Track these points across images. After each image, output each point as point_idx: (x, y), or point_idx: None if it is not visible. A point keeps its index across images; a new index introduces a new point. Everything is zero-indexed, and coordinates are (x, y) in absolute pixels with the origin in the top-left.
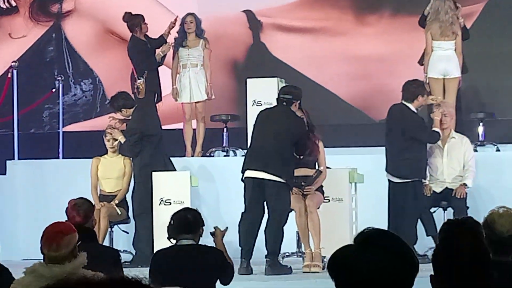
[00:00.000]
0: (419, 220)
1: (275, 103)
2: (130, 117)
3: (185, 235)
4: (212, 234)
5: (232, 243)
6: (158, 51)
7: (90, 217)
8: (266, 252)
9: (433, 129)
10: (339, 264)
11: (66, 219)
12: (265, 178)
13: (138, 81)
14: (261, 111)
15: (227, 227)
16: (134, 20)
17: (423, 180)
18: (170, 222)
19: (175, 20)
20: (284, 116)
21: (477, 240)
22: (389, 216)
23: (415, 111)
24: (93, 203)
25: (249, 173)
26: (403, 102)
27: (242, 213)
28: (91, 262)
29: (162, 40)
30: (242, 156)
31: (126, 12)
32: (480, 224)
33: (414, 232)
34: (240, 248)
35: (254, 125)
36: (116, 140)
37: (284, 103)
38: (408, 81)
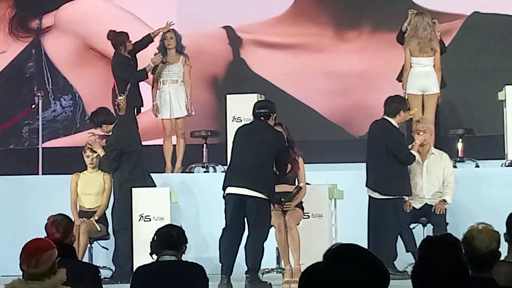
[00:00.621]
0: (398, 236)
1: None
2: (110, 133)
3: (168, 251)
4: None
5: (212, 259)
6: (149, 61)
7: (69, 234)
8: (246, 268)
9: (410, 150)
10: (309, 282)
11: (46, 235)
12: (246, 194)
13: (119, 97)
14: (239, 127)
15: None
16: (118, 38)
17: (405, 197)
18: (153, 238)
19: (169, 23)
20: (263, 131)
21: (456, 257)
22: (369, 232)
23: (397, 126)
24: (73, 219)
25: (230, 190)
26: (385, 117)
27: (223, 229)
28: (70, 279)
29: (148, 39)
30: (222, 172)
31: (110, 30)
32: (459, 241)
33: (394, 248)
34: (220, 264)
35: (233, 141)
36: (96, 153)
37: (262, 118)
38: (389, 97)
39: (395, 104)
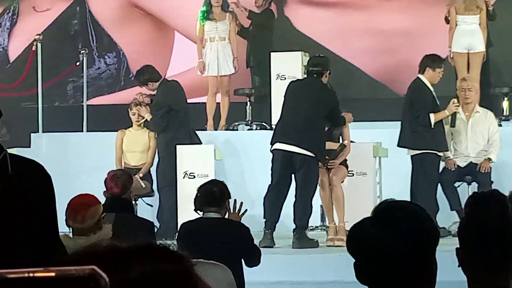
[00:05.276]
0: (444, 194)
1: (299, 77)
2: (156, 91)
3: (210, 208)
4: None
5: (256, 217)
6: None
7: (128, 189)
8: (290, 226)
9: (430, 116)
10: (356, 239)
11: (91, 192)
12: (296, 151)
13: None
14: (292, 82)
15: (246, 210)
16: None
17: (441, 153)
18: (196, 194)
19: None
20: (316, 89)
21: (504, 213)
22: (411, 188)
23: (428, 84)
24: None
25: (279, 146)
26: (418, 75)
27: (269, 185)
28: (127, 233)
29: None
30: (266, 129)
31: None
32: (507, 197)
33: (434, 202)
34: (264, 220)
35: (284, 96)
36: (143, 118)
37: (315, 75)
38: (425, 55)
39: (423, 60)
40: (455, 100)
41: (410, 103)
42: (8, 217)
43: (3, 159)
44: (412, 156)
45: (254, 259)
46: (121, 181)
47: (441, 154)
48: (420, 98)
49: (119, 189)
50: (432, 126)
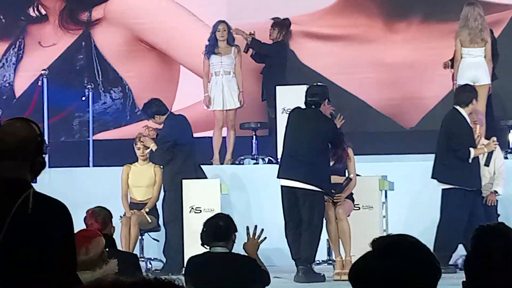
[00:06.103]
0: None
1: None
2: (162, 125)
3: (217, 243)
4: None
5: (262, 251)
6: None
7: (108, 224)
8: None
9: (470, 151)
10: (358, 274)
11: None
12: (298, 187)
13: None
14: (293, 111)
15: (265, 238)
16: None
17: (468, 189)
18: (203, 229)
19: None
20: (315, 121)
21: (509, 245)
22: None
23: (467, 117)
24: (123, 211)
25: (283, 182)
26: (455, 106)
27: (284, 223)
28: None
29: None
30: (269, 163)
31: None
32: None
33: (448, 241)
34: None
35: (287, 125)
36: (148, 148)
37: (313, 106)
38: (460, 86)
39: (467, 93)
40: (495, 138)
41: (447, 135)
42: (25, 254)
43: (26, 198)
44: (442, 190)
45: (261, 285)
46: (101, 217)
47: (472, 189)
48: (460, 131)
49: (99, 224)
50: (470, 161)
